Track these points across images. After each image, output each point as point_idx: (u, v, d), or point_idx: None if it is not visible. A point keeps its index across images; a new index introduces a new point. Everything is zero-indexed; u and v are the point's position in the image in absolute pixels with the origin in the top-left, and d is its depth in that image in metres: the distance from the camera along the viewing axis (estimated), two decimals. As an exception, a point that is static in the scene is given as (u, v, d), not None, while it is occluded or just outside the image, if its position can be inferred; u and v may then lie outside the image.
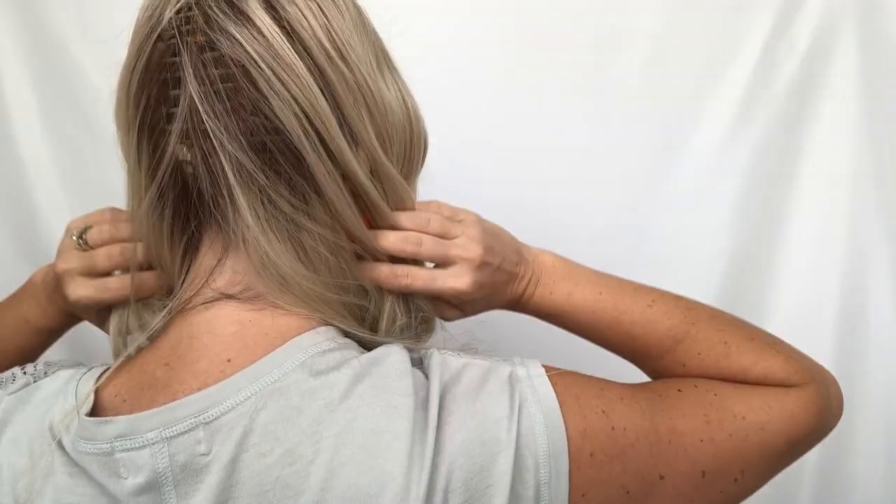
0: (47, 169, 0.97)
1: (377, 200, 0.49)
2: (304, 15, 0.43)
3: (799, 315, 1.00)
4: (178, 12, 0.42)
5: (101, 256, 0.53)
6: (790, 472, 1.00)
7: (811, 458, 1.00)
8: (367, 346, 0.48)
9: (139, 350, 0.47)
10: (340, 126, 0.44)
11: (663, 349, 0.56)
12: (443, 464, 0.40)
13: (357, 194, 0.48)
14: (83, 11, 0.93)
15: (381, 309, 0.52)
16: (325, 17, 0.44)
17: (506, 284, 0.57)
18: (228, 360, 0.43)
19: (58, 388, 0.46)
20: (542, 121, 0.96)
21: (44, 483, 0.42)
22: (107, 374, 0.46)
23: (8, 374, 0.50)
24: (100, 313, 0.55)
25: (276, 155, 0.43)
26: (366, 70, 0.46)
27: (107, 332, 0.55)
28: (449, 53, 0.93)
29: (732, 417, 0.49)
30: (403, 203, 0.53)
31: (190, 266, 0.48)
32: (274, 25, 0.42)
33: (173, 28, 0.42)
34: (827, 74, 0.97)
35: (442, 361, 0.46)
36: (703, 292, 0.99)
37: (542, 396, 0.44)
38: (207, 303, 0.45)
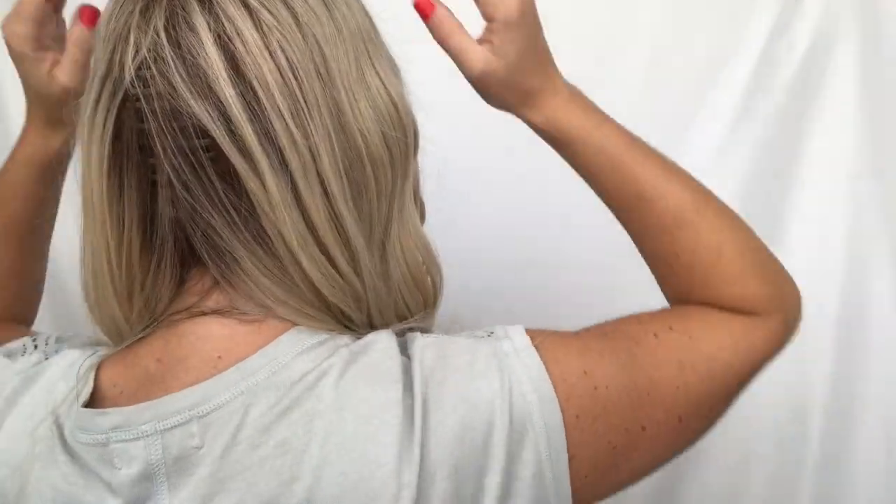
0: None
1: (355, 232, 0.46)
2: (262, 69, 0.40)
3: (799, 315, 1.00)
4: (138, 69, 0.40)
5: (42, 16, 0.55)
6: (790, 472, 1.01)
7: (811, 458, 1.00)
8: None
9: (130, 343, 0.47)
10: (321, 180, 0.43)
11: (663, 225, 0.55)
12: (434, 449, 0.41)
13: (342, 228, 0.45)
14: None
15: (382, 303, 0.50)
16: (285, 56, 0.41)
17: (544, 56, 0.57)
18: (219, 357, 0.43)
19: (62, 372, 0.46)
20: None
21: (42, 469, 0.43)
22: (107, 357, 0.46)
23: (19, 344, 0.50)
24: (39, 58, 0.56)
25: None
26: (341, 95, 0.44)
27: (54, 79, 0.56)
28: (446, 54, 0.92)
29: (705, 360, 0.50)
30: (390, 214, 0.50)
31: (174, 289, 0.47)
32: (232, 91, 0.40)
33: (137, 90, 0.40)
34: (827, 74, 0.97)
35: (424, 345, 0.45)
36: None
37: (531, 371, 0.44)
38: (194, 317, 0.45)
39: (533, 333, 0.47)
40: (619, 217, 0.58)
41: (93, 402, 0.44)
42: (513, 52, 0.54)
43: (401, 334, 0.47)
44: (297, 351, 0.43)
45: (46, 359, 0.48)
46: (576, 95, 0.57)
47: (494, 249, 0.93)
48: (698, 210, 0.54)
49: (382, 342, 0.45)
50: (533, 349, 0.45)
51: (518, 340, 0.46)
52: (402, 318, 0.50)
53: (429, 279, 0.53)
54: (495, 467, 0.41)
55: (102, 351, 0.47)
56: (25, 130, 0.61)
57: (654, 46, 0.96)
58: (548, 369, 0.44)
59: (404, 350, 0.45)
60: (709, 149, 0.97)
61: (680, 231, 0.54)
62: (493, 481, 0.41)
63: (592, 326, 0.51)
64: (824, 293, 0.99)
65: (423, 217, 0.57)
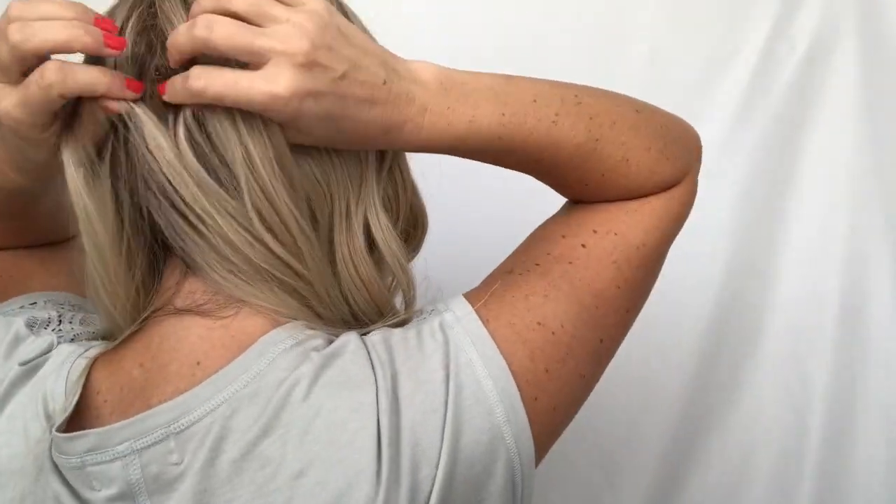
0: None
1: None
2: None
3: (799, 315, 1.00)
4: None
5: (3, 50, 0.40)
6: (790, 472, 1.01)
7: (811, 458, 1.00)
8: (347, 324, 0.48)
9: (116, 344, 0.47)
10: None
11: (569, 169, 0.51)
12: (404, 445, 0.40)
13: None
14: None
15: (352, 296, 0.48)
16: None
17: (366, 106, 0.43)
18: (198, 363, 0.43)
19: (54, 369, 0.46)
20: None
21: (37, 475, 0.43)
22: (99, 356, 0.46)
23: (45, 316, 0.50)
24: (43, 128, 0.42)
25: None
26: None
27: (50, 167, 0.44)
28: (448, 53, 0.92)
29: (636, 250, 0.51)
30: None
31: (151, 285, 0.47)
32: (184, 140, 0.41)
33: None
34: (827, 74, 0.97)
35: (374, 342, 0.45)
36: (703, 291, 0.99)
37: (476, 341, 0.44)
38: (171, 314, 0.45)
39: (474, 298, 0.47)
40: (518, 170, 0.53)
41: (77, 412, 0.44)
42: (323, 130, 0.43)
43: (364, 335, 0.46)
44: (270, 357, 0.42)
45: (58, 344, 0.47)
46: (432, 93, 0.46)
47: (492, 249, 0.93)
48: (593, 137, 0.50)
49: (352, 344, 0.44)
50: (474, 315, 0.45)
51: (459, 310, 0.46)
52: (361, 319, 0.49)
53: (386, 292, 0.50)
54: (447, 445, 0.41)
55: (94, 350, 0.46)
56: None
57: (654, 46, 0.96)
58: (503, 337, 0.44)
59: (367, 351, 0.45)
60: (709, 149, 0.97)
61: (585, 163, 0.51)
62: (446, 455, 0.41)
63: (521, 258, 0.51)
64: (824, 292, 0.99)
65: (424, 227, 0.55)
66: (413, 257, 0.56)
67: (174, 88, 0.40)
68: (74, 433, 0.42)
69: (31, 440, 0.43)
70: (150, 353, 0.44)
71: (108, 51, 0.40)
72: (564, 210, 0.56)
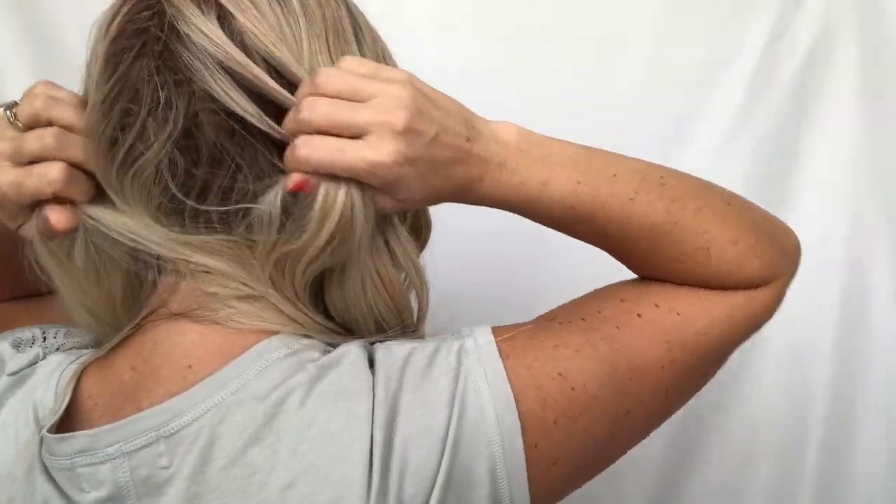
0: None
1: None
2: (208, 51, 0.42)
3: (799, 315, 1.00)
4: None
5: (31, 138, 0.45)
6: (790, 472, 1.01)
7: (812, 458, 1.00)
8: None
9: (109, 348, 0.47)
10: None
11: (639, 249, 0.50)
12: (394, 461, 0.40)
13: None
14: (83, 11, 0.93)
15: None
16: (241, 33, 0.43)
17: (452, 165, 0.45)
18: (189, 367, 0.43)
19: (45, 377, 0.46)
20: (542, 121, 0.95)
21: (26, 476, 0.43)
22: (89, 363, 0.46)
23: (29, 335, 0.50)
24: (21, 212, 0.46)
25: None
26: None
27: (25, 236, 0.47)
28: (448, 54, 0.93)
29: (695, 336, 0.48)
30: None
31: (143, 296, 0.47)
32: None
33: None
34: (827, 74, 0.97)
35: (386, 354, 0.44)
36: (703, 292, 0.99)
37: (489, 371, 0.43)
38: (165, 319, 0.45)
39: (501, 332, 0.45)
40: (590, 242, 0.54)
41: (68, 416, 0.44)
42: (416, 190, 0.45)
43: (371, 344, 0.46)
44: (264, 364, 0.42)
45: (44, 357, 0.48)
46: (512, 153, 0.48)
47: (492, 248, 0.93)
48: (672, 220, 0.49)
49: (351, 355, 0.44)
50: (494, 346, 0.44)
51: (481, 338, 0.45)
52: (378, 327, 0.49)
53: (406, 297, 0.50)
54: (442, 472, 0.40)
55: (84, 357, 0.47)
56: None
57: (654, 46, 0.96)
58: (518, 377, 0.43)
59: (371, 362, 0.44)
60: (709, 149, 0.97)
61: (658, 244, 0.49)
62: (439, 483, 0.40)
63: (569, 309, 0.50)
64: (824, 292, 0.99)
65: (428, 225, 0.56)
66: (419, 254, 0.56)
67: (285, 158, 0.43)
68: (65, 434, 0.42)
69: (22, 445, 0.43)
70: (142, 357, 0.44)
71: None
72: (636, 279, 0.54)
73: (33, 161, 0.45)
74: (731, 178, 0.97)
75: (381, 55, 0.50)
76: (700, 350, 0.48)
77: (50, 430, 0.42)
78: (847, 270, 0.98)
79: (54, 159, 0.44)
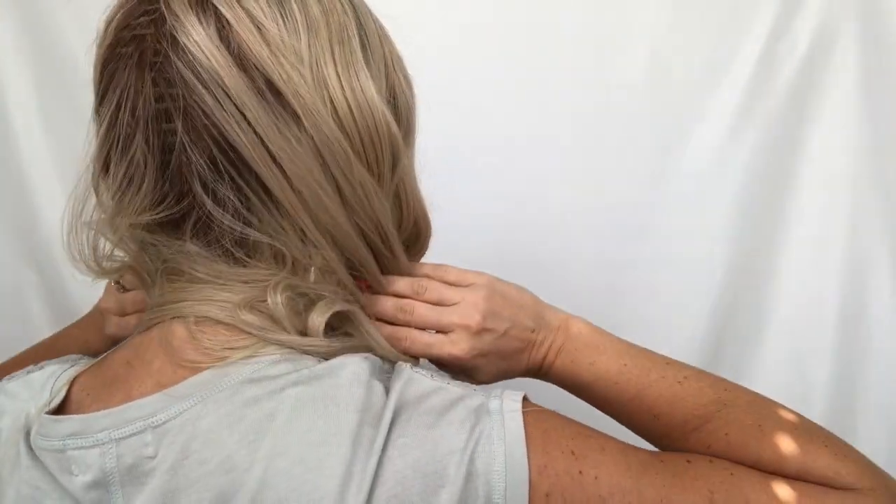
0: (47, 169, 0.97)
1: (365, 258, 0.50)
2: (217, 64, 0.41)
3: (799, 315, 1.00)
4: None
5: (129, 302, 0.61)
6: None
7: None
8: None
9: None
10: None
11: (688, 429, 0.50)
12: (381, 486, 0.39)
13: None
14: (83, 11, 0.93)
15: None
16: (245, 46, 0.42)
17: (519, 353, 0.55)
18: (181, 363, 0.43)
19: (42, 382, 0.48)
20: (543, 121, 0.96)
21: (11, 472, 0.44)
22: (82, 371, 0.48)
23: (23, 370, 0.51)
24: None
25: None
26: (309, 84, 0.43)
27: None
28: (449, 53, 0.93)
29: (744, 500, 0.43)
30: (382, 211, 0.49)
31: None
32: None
33: None
34: (827, 74, 0.96)
35: (409, 378, 0.43)
36: (704, 292, 0.99)
37: (508, 432, 0.41)
38: (165, 321, 0.46)
39: (532, 403, 0.44)
40: (642, 435, 0.55)
41: (62, 406, 0.45)
42: (490, 374, 0.55)
43: (390, 363, 0.46)
44: (256, 366, 0.42)
45: (40, 368, 0.49)
46: (570, 339, 0.56)
47: (492, 249, 0.93)
48: (726, 403, 0.49)
49: (351, 367, 0.43)
50: (519, 414, 0.42)
51: (509, 402, 0.43)
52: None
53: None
54: None
55: (84, 362, 0.48)
56: (91, 319, 0.68)
57: (654, 47, 0.95)
58: (530, 437, 0.41)
59: (386, 374, 0.44)
60: (709, 149, 0.97)
61: (708, 424, 0.49)
62: None
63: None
64: (824, 293, 0.99)
65: (426, 237, 0.57)
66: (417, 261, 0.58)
67: (384, 333, 0.52)
68: (61, 416, 0.44)
69: (13, 434, 0.45)
70: (137, 353, 0.45)
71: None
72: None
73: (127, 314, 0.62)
74: (731, 178, 0.98)
75: (389, 58, 0.50)
76: None
77: (48, 412, 0.44)
78: (847, 271, 0.98)
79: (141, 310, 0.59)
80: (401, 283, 0.54)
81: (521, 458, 0.40)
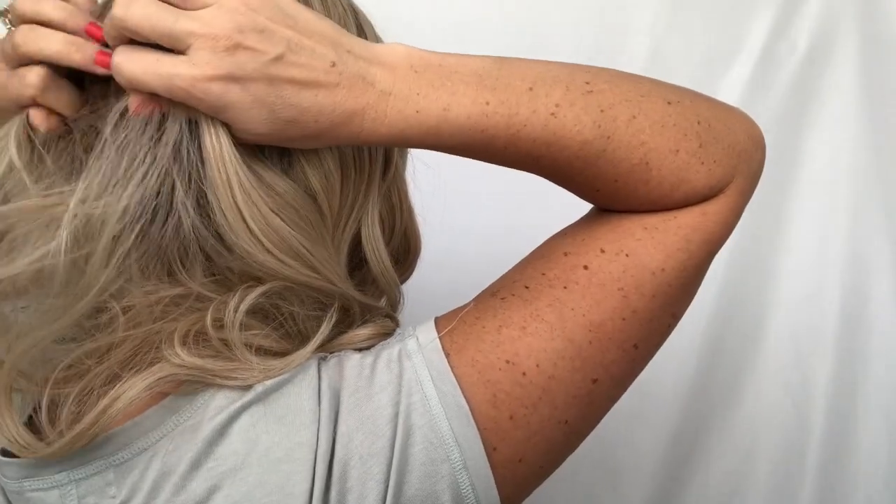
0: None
1: None
2: None
3: (800, 315, 1.00)
4: None
5: (13, 39, 0.40)
6: (790, 472, 1.01)
7: (812, 458, 1.00)
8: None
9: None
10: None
11: (573, 171, 0.43)
12: (332, 493, 0.37)
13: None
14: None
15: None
16: None
17: (307, 91, 0.38)
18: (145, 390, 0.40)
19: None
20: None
21: None
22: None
23: None
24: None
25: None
26: None
27: None
28: (445, 48, 0.92)
29: (651, 275, 0.42)
30: None
31: None
32: None
33: None
34: (827, 74, 0.97)
35: (330, 370, 0.40)
36: (703, 291, 0.99)
37: (435, 376, 0.39)
38: None
39: (443, 324, 0.42)
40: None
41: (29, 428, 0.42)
42: (259, 122, 0.38)
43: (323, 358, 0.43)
44: (215, 390, 0.39)
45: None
46: (401, 77, 0.40)
47: (491, 249, 0.93)
48: (603, 134, 0.42)
49: (299, 377, 0.40)
50: (438, 344, 0.40)
51: (424, 336, 0.41)
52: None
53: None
54: (390, 492, 0.37)
55: None
56: None
57: (654, 46, 0.96)
58: (463, 375, 0.39)
59: (319, 382, 0.41)
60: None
61: (591, 166, 0.43)
62: (390, 489, 0.37)
63: (512, 277, 0.44)
64: (824, 293, 0.99)
65: (416, 252, 0.54)
66: (404, 280, 0.54)
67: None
68: (11, 459, 0.41)
69: None
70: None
71: (98, 69, 0.39)
72: (582, 219, 0.48)
73: (22, 64, 0.40)
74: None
75: None
76: (661, 289, 0.43)
77: (3, 454, 0.41)
78: (847, 270, 0.98)
79: (36, 62, 0.39)
80: None
81: (454, 395, 0.39)
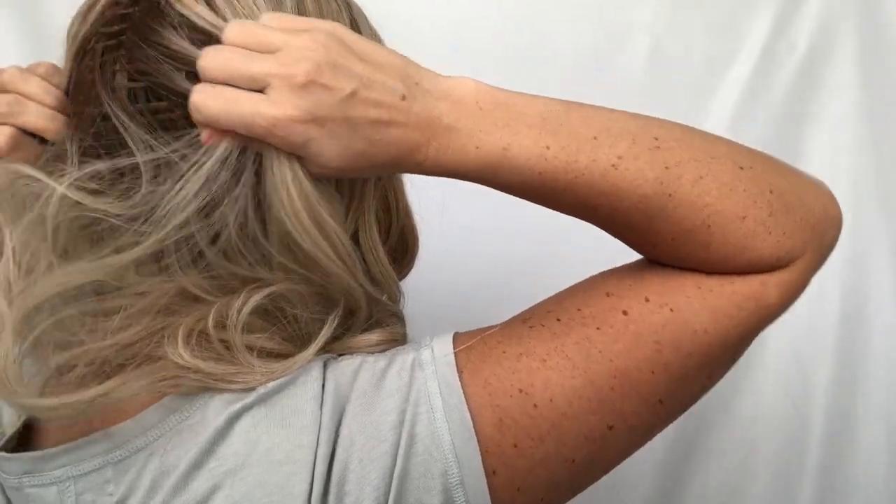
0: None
1: None
2: None
3: (799, 315, 0.99)
4: None
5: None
6: (790, 472, 1.01)
7: (812, 458, 1.00)
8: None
9: None
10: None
11: (633, 224, 0.43)
12: (331, 495, 0.37)
13: None
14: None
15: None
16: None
17: (381, 126, 0.38)
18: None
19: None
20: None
21: None
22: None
23: None
24: None
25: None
26: None
27: None
28: (445, 52, 0.92)
29: (692, 334, 0.41)
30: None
31: None
32: None
33: None
34: (827, 74, 0.96)
35: (335, 372, 0.41)
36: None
37: (444, 389, 0.39)
38: None
39: (462, 340, 0.42)
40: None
41: (27, 433, 0.43)
42: (333, 155, 0.39)
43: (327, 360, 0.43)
44: (211, 391, 0.40)
45: None
46: (466, 113, 0.41)
47: (490, 250, 0.93)
48: (664, 192, 0.41)
49: (302, 377, 0.40)
50: (452, 359, 0.40)
51: (439, 349, 0.41)
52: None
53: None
54: (391, 499, 0.37)
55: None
56: None
57: (654, 46, 0.95)
58: (473, 395, 0.39)
59: (323, 383, 0.41)
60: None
61: (650, 222, 0.42)
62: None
63: (547, 307, 0.44)
64: (824, 293, 0.98)
65: (413, 252, 0.53)
66: (402, 278, 0.54)
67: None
68: (11, 454, 0.41)
69: None
70: None
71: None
72: (634, 263, 0.47)
73: None
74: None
75: None
76: (700, 350, 0.42)
77: (4, 448, 0.42)
78: (847, 270, 0.98)
79: (7, 124, 0.45)
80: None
81: (461, 414, 0.39)
